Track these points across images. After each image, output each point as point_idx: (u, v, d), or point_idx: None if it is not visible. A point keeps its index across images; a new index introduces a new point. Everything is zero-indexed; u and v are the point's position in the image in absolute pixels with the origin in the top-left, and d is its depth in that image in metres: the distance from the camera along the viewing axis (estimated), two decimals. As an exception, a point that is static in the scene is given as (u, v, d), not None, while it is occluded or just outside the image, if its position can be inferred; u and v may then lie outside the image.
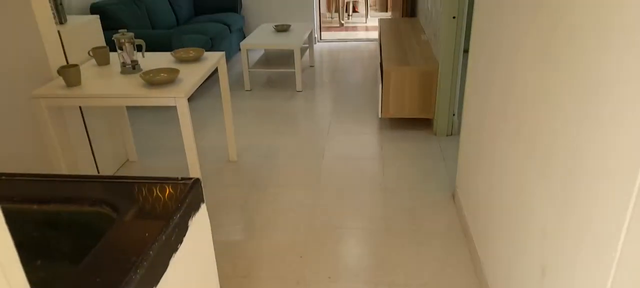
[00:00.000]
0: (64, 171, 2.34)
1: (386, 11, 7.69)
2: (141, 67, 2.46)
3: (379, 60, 4.11)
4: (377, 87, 4.15)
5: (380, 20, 4.91)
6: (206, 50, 4.40)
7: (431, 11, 3.71)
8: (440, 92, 3.15)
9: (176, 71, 2.29)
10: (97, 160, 2.76)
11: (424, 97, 3.26)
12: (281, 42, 4.30)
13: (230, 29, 5.11)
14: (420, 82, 3.22)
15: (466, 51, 2.65)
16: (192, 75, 2.33)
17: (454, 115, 3.21)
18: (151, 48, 3.25)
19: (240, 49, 5.49)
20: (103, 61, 2.54)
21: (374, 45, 5.86)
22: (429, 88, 3.22)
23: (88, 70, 2.48)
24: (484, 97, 1.93)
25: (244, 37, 5.60)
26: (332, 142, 3.27)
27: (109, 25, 3.91)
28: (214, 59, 2.63)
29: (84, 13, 4.03)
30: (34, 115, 2.34)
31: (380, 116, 3.38)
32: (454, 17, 2.90)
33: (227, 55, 5.12)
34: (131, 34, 2.39)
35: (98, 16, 2.82)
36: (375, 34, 6.41)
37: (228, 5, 5.57)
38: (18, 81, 2.39)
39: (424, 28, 4.20)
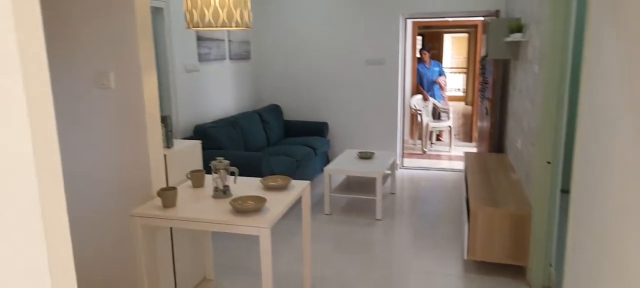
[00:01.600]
0: (148, 288, 2.41)
1: (471, 141, 7.61)
2: (231, 192, 2.58)
3: (465, 196, 3.97)
4: (463, 225, 3.97)
5: (466, 154, 4.84)
6: (292, 171, 4.57)
7: (522, 151, 3.59)
8: (535, 239, 2.91)
9: (263, 200, 2.37)
10: (177, 278, 2.82)
11: (515, 241, 3.03)
12: (364, 170, 4.35)
13: (315, 152, 5.31)
14: (511, 226, 3.02)
15: (565, 191, 2.47)
16: (277, 205, 2.39)
17: (550, 265, 2.92)
18: (243, 168, 3.44)
19: (323, 172, 5.64)
20: (198, 184, 2.71)
21: (458, 177, 5.73)
22: (522, 233, 3.01)
23: (184, 191, 2.64)
24: (595, 256, 1.74)
25: (328, 161, 5.77)
26: (412, 281, 3.09)
27: (209, 145, 4.24)
28: (300, 188, 2.70)
29: (187, 134, 4.44)
30: (128, 232, 2.49)
31: (466, 257, 3.18)
32: (548, 163, 2.76)
33: (310, 176, 5.27)
34: (227, 162, 2.55)
35: (200, 142, 3.07)
36: (459, 164, 6.30)
37: (315, 130, 5.86)
38: (121, 199, 2.60)
39: (513, 166, 4.05)
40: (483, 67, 5.54)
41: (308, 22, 5.89)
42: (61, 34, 2.47)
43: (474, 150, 6.76)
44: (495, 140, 4.96)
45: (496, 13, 5.20)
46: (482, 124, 5.62)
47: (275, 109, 5.88)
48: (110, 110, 2.50)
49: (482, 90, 5.59)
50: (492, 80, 4.88)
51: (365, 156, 4.78)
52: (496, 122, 4.91)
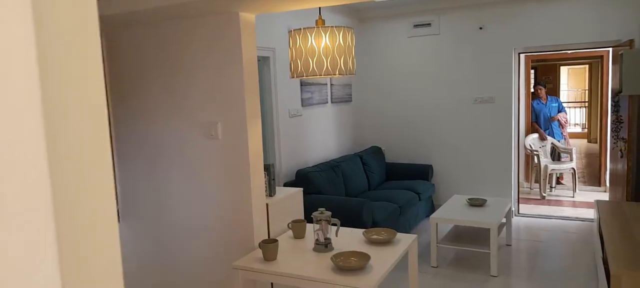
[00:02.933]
0: (248, 344, 2.33)
1: (599, 186, 6.71)
2: (333, 245, 2.45)
3: (601, 255, 3.41)
4: None
5: (598, 202, 4.21)
6: (394, 218, 4.34)
7: (675, 203, 3.00)
8: (702, 317, 2.35)
9: (366, 257, 2.20)
10: (278, 332, 2.73)
11: (674, 318, 2.47)
12: (475, 219, 3.97)
13: (419, 197, 5.02)
14: (667, 298, 2.47)
15: None
16: (382, 263, 2.20)
17: None
18: (344, 214, 3.31)
19: (428, 219, 5.30)
20: (299, 235, 2.63)
21: (586, 227, 5.02)
22: (682, 307, 2.44)
23: (284, 242, 2.57)
24: None
25: (433, 207, 5.43)
26: None
27: (310, 189, 4.20)
28: (405, 243, 2.48)
29: (290, 178, 4.45)
30: (230, 283, 2.46)
31: (606, 332, 2.66)
32: None
33: (413, 223, 4.98)
34: (328, 213, 2.43)
35: (301, 190, 3.02)
36: (585, 212, 5.55)
37: (419, 173, 5.58)
38: (224, 247, 2.59)
39: (662, 220, 3.41)
40: (616, 104, 4.88)
41: (411, 62, 5.73)
42: (177, 88, 2.59)
43: (604, 196, 5.94)
44: (634, 187, 4.27)
45: (629, 43, 4.58)
46: (616, 166, 4.90)
47: (377, 151, 5.73)
48: (217, 160, 2.54)
49: (616, 130, 4.90)
50: (628, 118, 4.25)
51: (477, 203, 4.39)
52: (634, 165, 4.24)
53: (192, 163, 2.61)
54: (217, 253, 2.61)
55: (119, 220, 2.88)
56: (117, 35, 2.73)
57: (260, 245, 2.35)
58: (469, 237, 4.31)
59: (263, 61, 4.16)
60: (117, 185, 2.87)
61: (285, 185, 4.23)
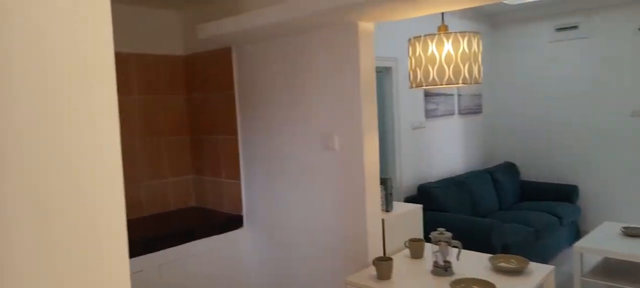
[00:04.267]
0: None
1: None
2: (453, 270, 2.25)
3: None
4: None
5: None
6: (529, 244, 3.89)
7: None
8: None
9: (491, 287, 1.96)
10: None
11: None
12: (632, 252, 3.37)
13: (561, 222, 4.44)
14: None
15: None
16: (510, 296, 1.95)
17: None
18: (469, 235, 3.05)
19: (571, 248, 4.66)
20: (417, 254, 2.47)
21: None
22: None
23: (400, 261, 2.44)
24: None
25: (578, 234, 4.77)
26: None
27: (432, 206, 3.98)
28: (540, 274, 2.17)
29: (411, 193, 4.28)
30: (346, 297, 2.40)
31: None
32: None
33: (552, 251, 4.41)
34: (449, 235, 2.25)
35: (421, 206, 2.85)
36: None
37: (561, 194, 4.95)
38: (337, 261, 2.55)
39: None
40: None
41: (553, 69, 5.14)
42: (297, 99, 2.64)
43: None
44: None
45: None
46: None
47: (510, 168, 5.23)
48: (333, 171, 2.52)
49: None
50: None
51: (634, 233, 3.72)
52: None
53: (309, 173, 2.63)
54: (330, 265, 2.58)
55: (242, 225, 3.03)
56: (246, 48, 2.89)
57: (374, 262, 2.25)
58: (623, 272, 3.67)
59: (385, 72, 4.08)
60: (242, 191, 3.02)
61: (406, 200, 4.07)
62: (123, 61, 2.95)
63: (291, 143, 2.72)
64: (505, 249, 3.54)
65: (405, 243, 2.53)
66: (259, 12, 2.37)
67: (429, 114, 4.54)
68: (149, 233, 2.66)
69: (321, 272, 2.64)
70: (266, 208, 2.92)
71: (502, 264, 2.27)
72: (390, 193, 2.70)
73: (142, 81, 3.06)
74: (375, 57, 2.65)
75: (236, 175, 3.04)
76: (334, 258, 2.56)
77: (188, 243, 2.72)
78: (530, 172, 5.36)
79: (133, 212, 3.02)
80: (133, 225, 2.85)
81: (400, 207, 2.82)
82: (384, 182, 2.66)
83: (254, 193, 2.98)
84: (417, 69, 1.94)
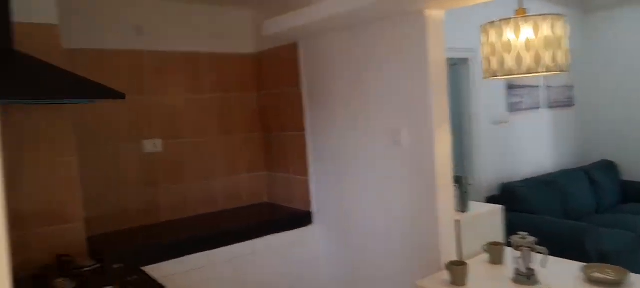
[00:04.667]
0: None
1: None
2: (537, 279, 2.03)
3: None
4: None
5: None
6: (632, 251, 3.46)
7: None
8: None
9: (582, 300, 1.74)
10: None
11: None
12: None
13: (671, 228, 3.90)
14: None
15: None
16: (605, 311, 1.71)
17: None
18: (559, 240, 2.77)
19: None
20: (496, 260, 2.28)
21: None
22: None
23: (478, 266, 2.26)
24: None
25: (694, 241, 4.15)
26: None
27: (517, 207, 3.69)
28: (643, 288, 1.89)
29: (492, 193, 4.00)
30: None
31: None
32: None
33: (663, 260, 3.88)
34: (532, 240, 2.03)
35: (501, 207, 2.64)
36: None
37: (672, 195, 4.36)
38: (406, 263, 2.43)
39: None
40: None
41: (660, 55, 4.54)
42: (364, 93, 2.56)
43: None
44: None
45: None
46: None
47: (608, 166, 4.71)
48: (402, 168, 2.40)
49: None
50: None
51: None
52: None
53: (377, 170, 2.53)
54: (400, 267, 2.46)
55: (312, 222, 3.00)
56: (311, 43, 2.85)
57: (447, 267, 2.10)
58: None
59: (461, 64, 3.84)
60: (311, 188, 3.00)
61: (488, 201, 3.81)
62: (196, 61, 3.06)
63: (358, 138, 2.64)
64: (602, 258, 3.17)
65: (483, 247, 2.35)
66: (322, 4, 2.32)
67: (512, 108, 4.21)
68: (221, 228, 2.73)
69: (390, 273, 2.54)
70: (335, 205, 2.87)
71: (597, 275, 2.01)
72: (466, 192, 2.52)
73: (214, 80, 3.14)
74: (450, 48, 2.49)
75: (305, 172, 3.02)
76: (404, 260, 2.44)
77: (259, 239, 2.75)
78: (633, 171, 4.78)
79: (208, 207, 3.12)
80: (207, 219, 2.94)
81: (478, 208, 2.62)
82: (458, 180, 2.49)
83: (322, 189, 2.95)
84: (491, 57, 1.77)
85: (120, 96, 1.72)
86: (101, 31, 2.68)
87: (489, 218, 2.57)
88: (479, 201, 3.37)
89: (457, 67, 3.87)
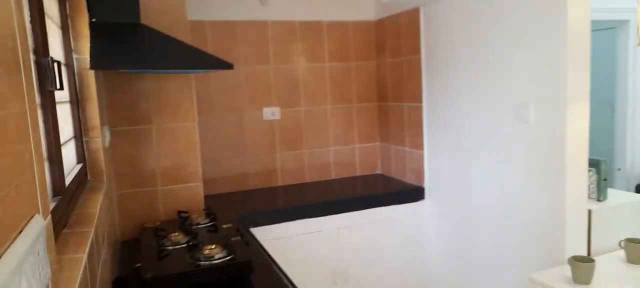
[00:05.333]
0: None
1: None
2: (690, 290, 1.67)
3: None
4: None
5: None
6: None
7: None
8: None
9: None
10: None
11: None
12: None
13: None
14: None
15: None
16: None
17: None
18: None
19: None
20: (635, 259, 1.93)
21: None
22: None
23: (610, 265, 1.94)
24: None
25: None
26: None
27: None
28: None
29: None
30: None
31: None
32: None
33: None
34: (685, 242, 1.67)
35: (647, 198, 2.21)
36: None
37: None
38: (522, 251, 2.19)
39: None
40: None
41: None
42: (487, 63, 2.32)
43: None
44: None
45: None
46: None
47: None
48: (527, 148, 2.14)
49: None
50: None
51: None
52: None
53: (499, 147, 2.30)
54: (516, 256, 2.23)
55: (423, 197, 2.87)
56: (434, 9, 2.66)
57: (570, 262, 1.84)
58: None
59: (619, 27, 3.25)
60: (425, 162, 2.86)
61: (638, 190, 3.23)
62: (317, 29, 3.08)
63: (478, 112, 2.42)
64: None
65: (620, 243, 2.01)
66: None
67: (685, 79, 3.46)
68: (332, 196, 2.77)
69: (504, 261, 2.32)
70: (449, 182, 2.70)
71: None
72: (605, 179, 2.16)
73: (334, 49, 3.14)
74: (605, 8, 2.11)
75: (420, 145, 2.89)
76: (522, 249, 2.21)
77: (368, 210, 2.73)
78: None
79: (321, 175, 3.19)
80: (319, 187, 3.01)
81: (620, 197, 2.23)
82: (595, 164, 2.15)
83: (437, 164, 2.79)
84: (643, 18, 1.44)
85: (229, 66, 1.81)
86: (226, 3, 2.85)
87: (632, 210, 2.18)
88: (627, 189, 2.88)
89: (613, 31, 3.29)
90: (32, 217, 0.54)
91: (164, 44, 1.84)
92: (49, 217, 0.64)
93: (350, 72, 3.21)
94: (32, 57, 1.01)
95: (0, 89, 0.46)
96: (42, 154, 0.61)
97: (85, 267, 0.94)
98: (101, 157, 1.73)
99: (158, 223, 2.09)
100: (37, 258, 0.51)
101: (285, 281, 1.60)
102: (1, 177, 0.44)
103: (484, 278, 2.50)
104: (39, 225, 0.54)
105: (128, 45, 1.73)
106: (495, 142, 2.32)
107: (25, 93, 0.55)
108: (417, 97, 2.88)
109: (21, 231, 0.49)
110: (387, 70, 3.16)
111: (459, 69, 2.53)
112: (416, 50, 2.84)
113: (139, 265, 1.66)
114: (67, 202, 1.17)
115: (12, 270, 0.43)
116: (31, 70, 0.59)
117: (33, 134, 0.57)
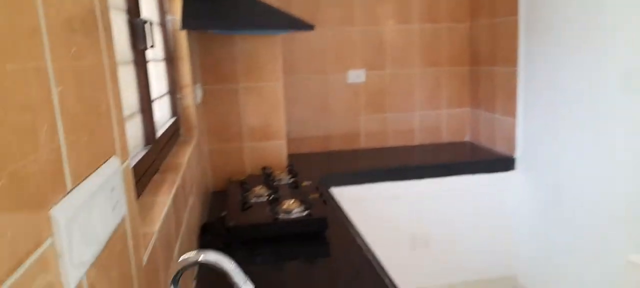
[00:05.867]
0: None
1: None
2: None
3: None
4: None
5: None
6: None
7: None
8: None
9: None
10: None
11: None
12: None
13: None
14: None
15: None
16: None
17: None
18: None
19: None
20: None
21: None
22: None
23: None
24: None
25: None
26: None
27: None
28: None
29: None
30: (618, 277, 1.87)
31: None
32: None
33: None
34: None
35: None
36: None
37: None
38: (623, 237, 1.99)
39: None
40: None
41: None
42: (597, 24, 2.09)
43: None
44: None
45: None
46: None
47: None
48: (634, 120, 1.91)
49: None
50: None
51: None
52: None
53: (604, 119, 2.07)
54: (613, 236, 2.04)
55: (513, 168, 2.71)
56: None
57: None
58: None
59: None
60: (517, 130, 2.68)
61: None
62: (404, -10, 2.98)
63: (582, 79, 2.20)
64: None
65: None
66: None
67: None
68: (414, 162, 2.73)
69: (598, 243, 2.14)
70: (545, 154, 2.51)
71: None
72: None
73: (425, 9, 3.02)
74: None
75: (512, 112, 2.71)
76: (621, 230, 2.01)
77: (452, 177, 2.66)
78: None
79: (406, 140, 3.14)
80: (403, 152, 2.98)
81: None
82: None
83: (531, 134, 2.61)
84: None
85: (310, 27, 1.83)
86: (314, -36, 2.85)
87: None
88: None
89: None
90: (108, 158, 0.61)
91: (250, 5, 1.90)
92: (128, 161, 0.71)
93: (440, 34, 3.07)
94: (124, 17, 1.11)
95: (77, 43, 0.52)
96: (120, 105, 0.68)
97: (170, 209, 1.04)
98: (192, 113, 1.87)
99: (244, 178, 2.23)
100: (111, 194, 0.58)
101: (358, 241, 1.63)
102: (75, 122, 0.50)
103: (572, 257, 2.33)
104: (114, 165, 0.61)
105: (216, 8, 1.82)
106: (602, 112, 2.10)
107: (104, 48, 0.62)
108: (512, 61, 2.68)
109: (96, 170, 0.55)
110: (481, 31, 2.97)
111: (561, 30, 2.30)
112: (513, 10, 2.63)
113: (224, 213, 1.79)
114: (158, 151, 1.29)
115: (85, 201, 0.49)
116: (110, 27, 0.65)
117: (111, 85, 0.64)
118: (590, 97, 2.15)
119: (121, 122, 0.68)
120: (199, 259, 0.71)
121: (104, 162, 0.58)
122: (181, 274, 0.71)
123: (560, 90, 2.34)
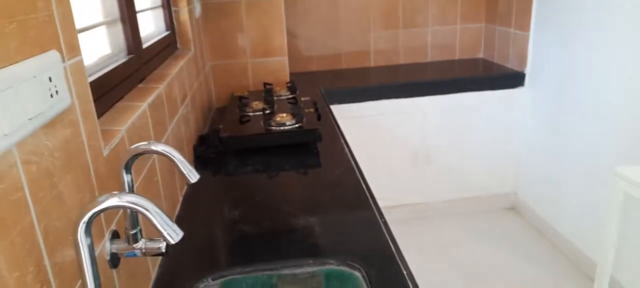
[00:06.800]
0: None
1: None
2: None
3: None
4: None
5: None
6: None
7: None
8: None
9: None
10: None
11: None
12: None
13: None
14: None
15: None
16: None
17: None
18: None
19: None
20: None
21: None
22: None
23: None
24: None
25: None
26: None
27: None
28: None
29: None
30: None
31: None
32: None
33: None
34: None
35: None
36: None
37: None
38: (627, 145, 1.96)
39: None
40: None
41: None
42: None
43: None
44: None
45: None
46: None
47: None
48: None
49: None
50: None
51: None
52: None
53: (618, 31, 1.97)
54: (608, 149, 2.01)
55: (523, 84, 2.65)
56: None
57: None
58: None
59: None
60: (529, 45, 2.58)
61: None
62: None
63: (596, -13, 2.07)
64: None
65: None
66: None
67: None
68: (420, 78, 2.70)
69: (592, 156, 2.11)
70: (556, 70, 2.43)
71: None
72: None
73: None
74: None
75: (526, 26, 2.60)
76: (615, 143, 1.98)
77: (458, 94, 2.63)
78: None
79: (415, 57, 3.09)
80: (412, 69, 2.94)
81: None
82: None
83: (543, 48, 2.51)
84: None
85: None
86: None
87: None
88: None
89: None
90: (47, 51, 0.65)
91: None
92: (80, 57, 0.76)
93: (457, -58, 2.90)
94: None
95: None
96: (68, 3, 0.72)
97: (144, 112, 1.10)
98: (188, 27, 1.89)
99: (246, 93, 2.28)
100: (47, 84, 0.63)
101: (346, 150, 1.67)
102: (3, 13, 0.54)
103: (567, 173, 2.32)
104: (53, 58, 0.65)
105: None
106: (616, 25, 1.99)
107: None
108: (530, -29, 2.53)
109: (27, 59, 0.60)
110: (499, -62, 2.79)
111: None
112: None
113: (221, 126, 1.86)
114: (142, 62, 1.34)
115: (5, 84, 0.54)
116: None
117: (49, -18, 0.67)
118: (608, 12, 2.03)
119: (69, 19, 0.72)
120: (151, 148, 0.77)
121: (40, 54, 0.63)
122: (133, 162, 0.78)
123: (573, 9, 2.22)
